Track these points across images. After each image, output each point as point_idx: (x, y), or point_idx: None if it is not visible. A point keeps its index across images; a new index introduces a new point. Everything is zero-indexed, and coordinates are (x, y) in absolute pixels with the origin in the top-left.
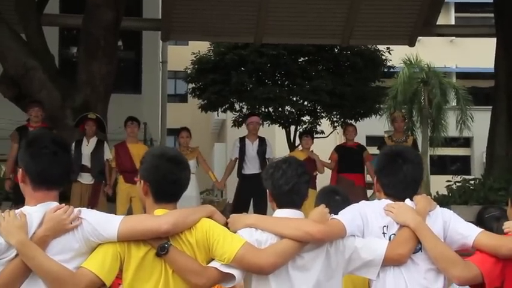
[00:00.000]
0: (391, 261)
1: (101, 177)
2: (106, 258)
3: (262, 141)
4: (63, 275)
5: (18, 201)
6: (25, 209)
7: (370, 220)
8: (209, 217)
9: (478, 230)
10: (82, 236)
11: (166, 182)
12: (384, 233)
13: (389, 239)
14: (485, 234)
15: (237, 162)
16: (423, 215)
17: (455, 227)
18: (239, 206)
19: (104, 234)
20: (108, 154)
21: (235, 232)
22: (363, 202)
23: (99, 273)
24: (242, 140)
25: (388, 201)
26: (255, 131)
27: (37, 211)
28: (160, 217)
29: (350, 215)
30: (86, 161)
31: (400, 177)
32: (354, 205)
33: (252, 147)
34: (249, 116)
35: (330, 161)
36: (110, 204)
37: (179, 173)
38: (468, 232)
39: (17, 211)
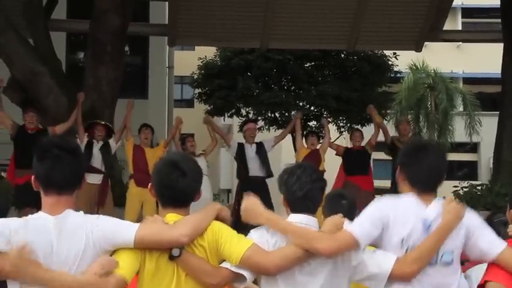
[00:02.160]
0: (397, 278)
1: (111, 174)
2: (131, 262)
3: (260, 144)
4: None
5: (21, 205)
6: (40, 214)
7: (391, 230)
8: (217, 215)
9: (502, 245)
10: (99, 247)
11: (164, 186)
12: (402, 245)
13: (406, 251)
14: (509, 252)
15: (235, 163)
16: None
17: (478, 240)
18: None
19: (120, 241)
20: (115, 146)
21: (247, 222)
22: (391, 201)
23: (128, 278)
24: (241, 145)
25: (415, 198)
26: (253, 136)
27: (55, 223)
28: (177, 228)
29: (368, 225)
30: (94, 162)
31: (424, 167)
32: (379, 207)
33: (251, 149)
34: (245, 124)
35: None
36: (118, 210)
37: (175, 178)
38: (489, 250)
39: (34, 216)
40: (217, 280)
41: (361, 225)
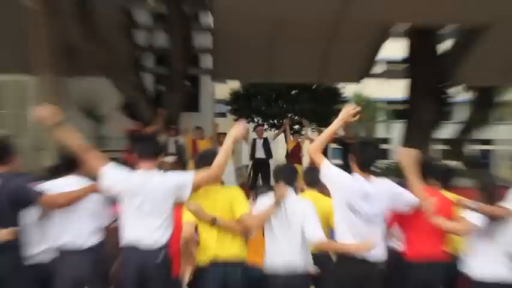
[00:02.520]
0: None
1: (179, 156)
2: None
3: (266, 139)
4: None
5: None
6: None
7: (343, 190)
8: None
9: (416, 198)
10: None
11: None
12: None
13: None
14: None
15: (249, 148)
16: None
17: (399, 198)
18: (253, 177)
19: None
20: (181, 140)
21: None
22: (347, 175)
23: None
24: (254, 140)
25: (358, 175)
26: (261, 134)
27: (144, 173)
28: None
29: (336, 171)
30: (169, 149)
31: (365, 155)
32: (343, 174)
33: (260, 142)
34: (256, 127)
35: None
36: None
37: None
38: (407, 202)
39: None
40: (241, 229)
41: (331, 167)
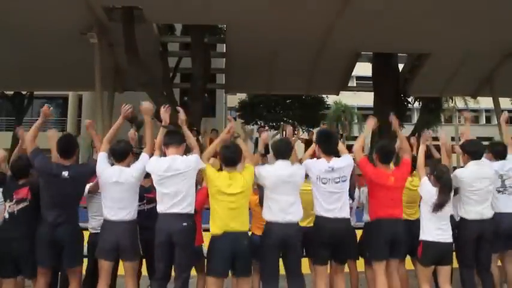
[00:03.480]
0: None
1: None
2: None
3: None
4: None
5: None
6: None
7: (314, 169)
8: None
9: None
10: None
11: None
12: (317, 178)
13: (317, 179)
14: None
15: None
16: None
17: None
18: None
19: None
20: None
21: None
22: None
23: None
24: (256, 138)
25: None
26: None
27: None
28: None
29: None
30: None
31: (328, 143)
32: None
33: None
34: (259, 129)
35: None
36: None
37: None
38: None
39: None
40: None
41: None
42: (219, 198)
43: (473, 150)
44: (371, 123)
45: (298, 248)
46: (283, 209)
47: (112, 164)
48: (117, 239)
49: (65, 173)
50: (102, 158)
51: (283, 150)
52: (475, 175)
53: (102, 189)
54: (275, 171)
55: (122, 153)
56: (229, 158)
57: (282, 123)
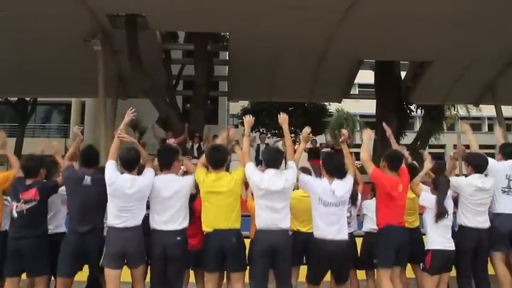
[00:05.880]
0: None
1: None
2: None
3: (267, 145)
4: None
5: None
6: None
7: (316, 191)
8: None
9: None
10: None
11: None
12: (319, 200)
13: (319, 201)
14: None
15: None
16: None
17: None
18: None
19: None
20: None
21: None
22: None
23: None
24: (258, 145)
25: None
26: (264, 141)
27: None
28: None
29: (312, 179)
30: (194, 153)
31: (330, 164)
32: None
33: (262, 147)
34: (260, 135)
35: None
36: None
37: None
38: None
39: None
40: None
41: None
42: (208, 198)
43: (476, 164)
44: (368, 134)
45: (288, 256)
46: (272, 217)
47: (121, 172)
48: (125, 247)
49: (87, 180)
50: (112, 167)
51: (273, 159)
52: (476, 188)
53: (111, 198)
54: (265, 181)
55: (132, 162)
56: (217, 159)
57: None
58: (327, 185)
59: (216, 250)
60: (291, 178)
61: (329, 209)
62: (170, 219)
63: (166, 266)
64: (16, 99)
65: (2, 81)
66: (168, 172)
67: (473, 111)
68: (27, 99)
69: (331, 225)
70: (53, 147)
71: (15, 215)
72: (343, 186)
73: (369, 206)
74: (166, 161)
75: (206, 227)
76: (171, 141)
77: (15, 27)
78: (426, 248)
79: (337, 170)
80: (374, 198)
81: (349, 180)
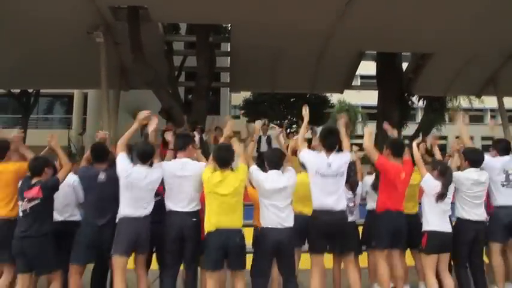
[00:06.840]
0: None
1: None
2: None
3: (269, 136)
4: None
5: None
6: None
7: (315, 165)
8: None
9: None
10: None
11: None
12: (315, 172)
13: (315, 172)
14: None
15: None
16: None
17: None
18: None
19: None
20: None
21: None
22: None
23: None
24: (259, 136)
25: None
26: (265, 132)
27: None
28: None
29: (312, 154)
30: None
31: (329, 139)
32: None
33: (264, 138)
34: (263, 126)
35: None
36: None
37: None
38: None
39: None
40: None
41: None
42: (212, 197)
43: (473, 159)
44: (369, 130)
45: (292, 252)
46: (276, 215)
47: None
48: (137, 235)
49: (102, 176)
50: (124, 159)
51: (275, 161)
52: (473, 181)
53: (125, 189)
54: (268, 182)
55: (148, 155)
56: (223, 158)
57: (285, 121)
58: (324, 158)
59: (219, 249)
60: (292, 177)
61: (326, 180)
62: (186, 200)
63: (181, 247)
64: (19, 91)
65: (5, 73)
66: (183, 156)
67: (476, 103)
68: (30, 91)
69: (328, 196)
70: (52, 139)
71: (20, 214)
72: (340, 159)
73: (369, 181)
74: (182, 144)
75: (209, 226)
76: (169, 136)
77: (17, 19)
78: (423, 229)
79: (334, 144)
80: (374, 174)
81: (346, 154)
